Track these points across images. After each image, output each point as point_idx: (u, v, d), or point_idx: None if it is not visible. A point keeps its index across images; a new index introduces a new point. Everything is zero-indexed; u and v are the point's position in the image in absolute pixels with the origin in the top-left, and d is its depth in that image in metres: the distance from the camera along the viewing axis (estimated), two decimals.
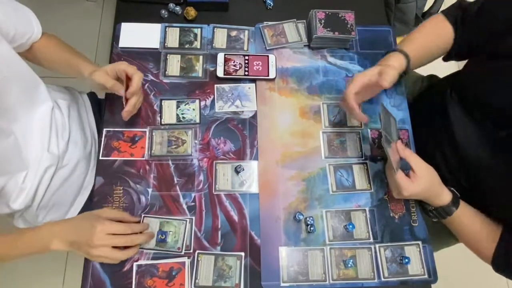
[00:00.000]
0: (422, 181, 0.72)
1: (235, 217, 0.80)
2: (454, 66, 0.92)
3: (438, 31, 0.85)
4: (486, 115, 0.74)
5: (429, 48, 0.85)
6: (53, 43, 0.84)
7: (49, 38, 0.84)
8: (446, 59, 0.89)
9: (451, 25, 0.83)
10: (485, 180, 0.75)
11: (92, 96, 1.02)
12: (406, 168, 0.74)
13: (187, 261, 0.75)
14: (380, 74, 0.74)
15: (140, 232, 0.74)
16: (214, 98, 0.89)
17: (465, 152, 0.77)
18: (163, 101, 0.87)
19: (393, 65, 0.78)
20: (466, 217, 0.75)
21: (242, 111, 0.89)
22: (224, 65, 0.90)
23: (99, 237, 0.67)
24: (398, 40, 0.94)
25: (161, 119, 0.86)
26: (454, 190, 0.76)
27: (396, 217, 0.83)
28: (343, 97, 0.79)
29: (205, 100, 0.89)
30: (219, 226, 0.79)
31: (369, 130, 0.89)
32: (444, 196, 0.74)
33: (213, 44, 0.94)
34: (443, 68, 1.05)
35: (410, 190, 0.72)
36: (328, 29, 0.90)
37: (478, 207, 0.77)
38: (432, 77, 1.09)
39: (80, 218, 0.73)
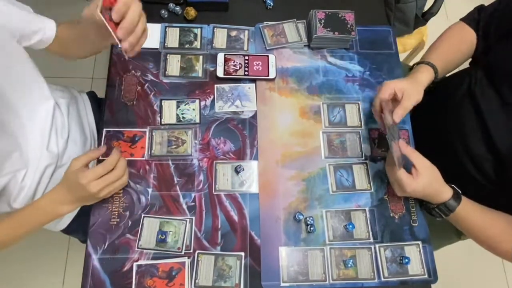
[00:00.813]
0: (425, 177, 0.72)
1: (235, 217, 0.80)
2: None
3: (461, 38, 0.90)
4: None
5: (454, 55, 0.89)
6: (65, 29, 0.79)
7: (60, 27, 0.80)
8: (472, 63, 0.92)
9: (473, 30, 0.88)
10: None
11: (91, 95, 1.02)
12: (408, 168, 0.74)
13: (187, 261, 0.75)
14: (402, 97, 0.78)
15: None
16: (214, 98, 0.89)
17: (496, 135, 0.76)
18: (163, 101, 0.87)
19: (422, 81, 0.82)
20: (471, 212, 0.75)
21: (242, 111, 0.89)
22: (224, 65, 0.90)
23: (93, 186, 0.69)
24: (398, 40, 0.94)
25: (161, 119, 0.86)
26: (455, 187, 0.76)
27: (396, 217, 0.83)
28: (373, 103, 0.82)
29: (205, 100, 0.89)
30: (219, 226, 0.79)
31: (369, 130, 0.89)
32: (445, 193, 0.74)
33: (213, 44, 0.94)
34: None
35: (412, 186, 0.72)
36: (328, 29, 0.90)
37: (505, 201, 0.76)
38: None
39: (65, 180, 0.72)
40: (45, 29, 0.75)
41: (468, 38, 0.89)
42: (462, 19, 0.92)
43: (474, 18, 0.89)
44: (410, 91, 0.78)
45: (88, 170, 0.70)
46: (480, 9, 0.89)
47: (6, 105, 0.70)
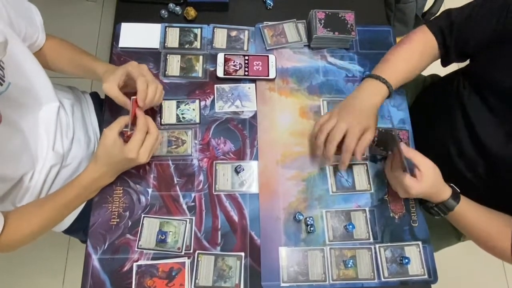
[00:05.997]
0: (429, 178, 0.72)
1: (235, 217, 0.80)
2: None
3: (421, 49, 0.84)
4: (501, 100, 0.74)
5: (413, 68, 0.85)
6: (62, 45, 0.84)
7: (57, 41, 0.84)
8: (445, 64, 0.88)
9: (433, 37, 0.83)
10: (504, 171, 0.74)
11: (94, 95, 1.02)
12: (409, 167, 0.74)
13: (187, 261, 0.75)
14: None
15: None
16: (214, 98, 0.89)
17: (485, 142, 0.76)
18: (163, 101, 0.87)
19: (378, 107, 0.80)
20: (469, 211, 0.75)
21: (242, 111, 0.88)
22: (224, 65, 0.90)
23: (142, 156, 0.70)
24: (398, 40, 0.94)
25: (161, 119, 0.86)
26: (454, 186, 0.76)
27: (396, 217, 0.83)
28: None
29: (205, 100, 0.89)
30: (219, 226, 0.79)
31: None
32: (445, 192, 0.75)
33: (213, 44, 0.94)
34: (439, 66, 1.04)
35: (417, 188, 0.72)
36: (328, 29, 0.90)
37: (497, 201, 0.77)
38: (434, 76, 1.09)
39: (108, 157, 0.71)
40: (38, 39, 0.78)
41: (429, 47, 0.84)
42: (426, 24, 0.86)
43: (438, 24, 0.83)
44: (372, 129, 0.78)
45: (130, 143, 0.69)
46: (448, 13, 0.82)
47: (17, 104, 0.71)
